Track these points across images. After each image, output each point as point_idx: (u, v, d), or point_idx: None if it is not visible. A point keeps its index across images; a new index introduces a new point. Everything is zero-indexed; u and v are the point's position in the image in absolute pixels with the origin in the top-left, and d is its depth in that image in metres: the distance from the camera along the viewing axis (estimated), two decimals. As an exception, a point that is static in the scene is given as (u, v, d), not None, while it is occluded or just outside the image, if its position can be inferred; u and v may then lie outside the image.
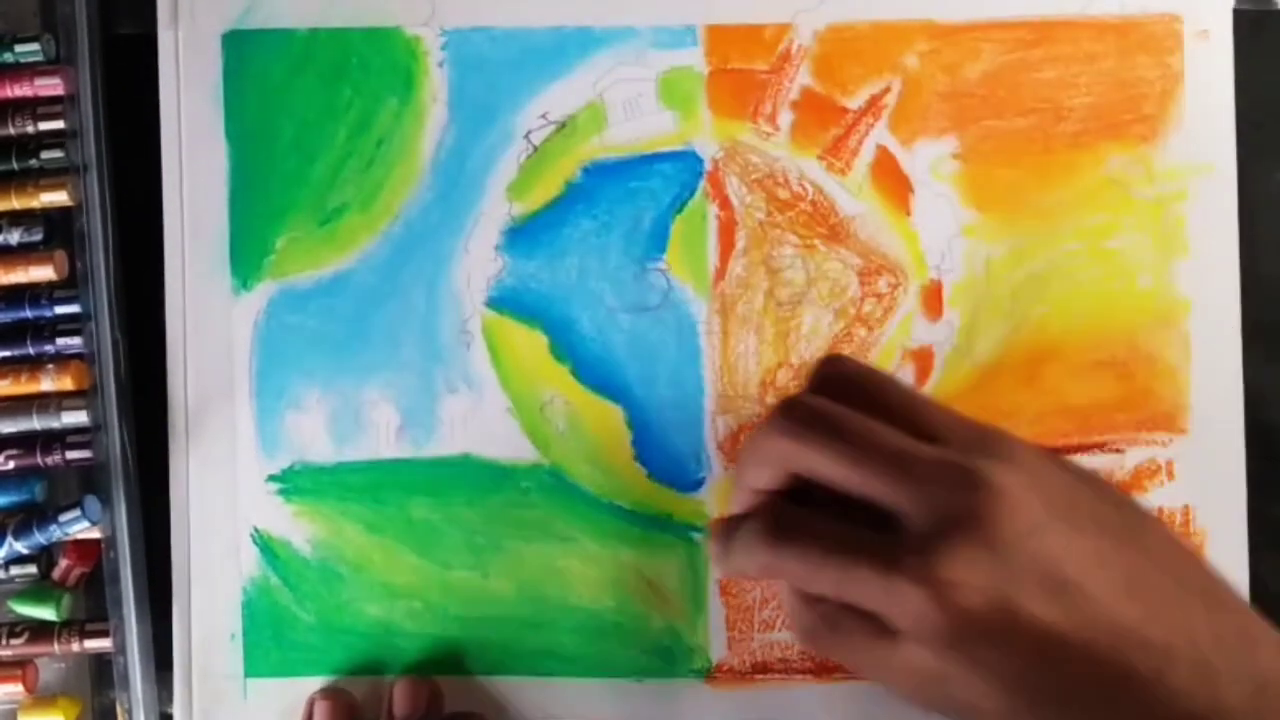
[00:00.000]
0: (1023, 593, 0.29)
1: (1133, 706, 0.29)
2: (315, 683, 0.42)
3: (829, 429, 0.31)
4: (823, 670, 0.42)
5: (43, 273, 0.41)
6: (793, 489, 0.32)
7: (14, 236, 0.41)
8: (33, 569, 0.42)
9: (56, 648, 0.41)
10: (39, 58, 0.41)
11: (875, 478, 0.30)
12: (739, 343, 0.42)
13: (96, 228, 0.41)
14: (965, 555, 0.29)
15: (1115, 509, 0.31)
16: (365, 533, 0.42)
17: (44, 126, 0.41)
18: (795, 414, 0.31)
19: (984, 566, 0.29)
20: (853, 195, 0.42)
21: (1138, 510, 0.32)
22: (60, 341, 0.41)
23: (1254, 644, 0.30)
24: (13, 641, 0.41)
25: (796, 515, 0.32)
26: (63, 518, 0.40)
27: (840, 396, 0.32)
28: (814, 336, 0.42)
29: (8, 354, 0.41)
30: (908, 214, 0.42)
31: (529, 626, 0.42)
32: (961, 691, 0.30)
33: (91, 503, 0.41)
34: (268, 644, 0.42)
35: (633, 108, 0.42)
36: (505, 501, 0.42)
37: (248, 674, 0.42)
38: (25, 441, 0.41)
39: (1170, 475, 0.42)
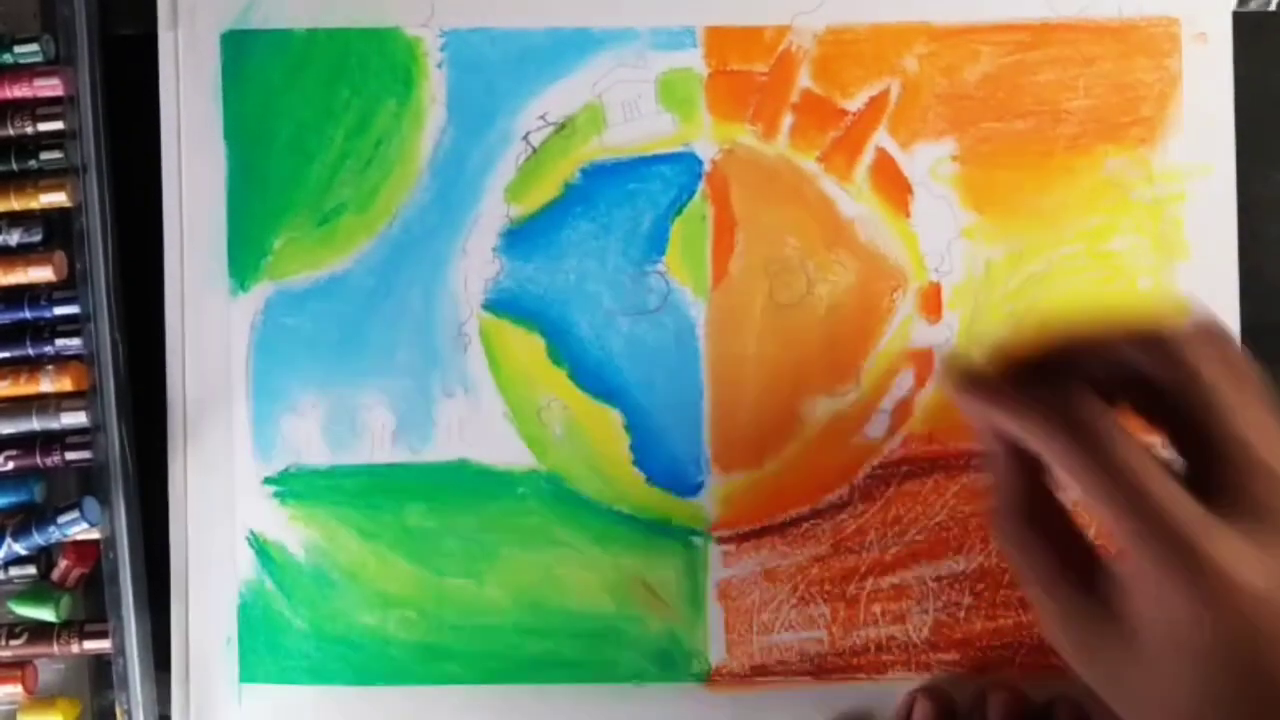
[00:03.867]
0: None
1: None
2: (309, 690, 0.42)
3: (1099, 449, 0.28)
4: (822, 672, 0.42)
5: (42, 273, 0.41)
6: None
7: (13, 237, 0.41)
8: (32, 570, 0.42)
9: (56, 649, 0.41)
10: (38, 58, 0.41)
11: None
12: (738, 346, 0.42)
13: (96, 228, 0.41)
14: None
15: None
16: (359, 539, 0.42)
17: (43, 127, 0.41)
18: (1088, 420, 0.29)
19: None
20: (852, 197, 0.42)
21: None
22: (59, 342, 0.41)
23: None
24: (12, 642, 0.41)
25: (1131, 447, 0.28)
26: (62, 519, 0.40)
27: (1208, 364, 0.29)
28: (813, 339, 0.42)
29: (7, 355, 0.41)
30: (907, 216, 0.42)
31: (526, 634, 0.42)
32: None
33: (90, 504, 0.41)
34: (262, 649, 0.42)
35: (632, 109, 0.42)
36: (502, 508, 0.42)
37: (243, 680, 0.42)
38: (24, 442, 0.41)
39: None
